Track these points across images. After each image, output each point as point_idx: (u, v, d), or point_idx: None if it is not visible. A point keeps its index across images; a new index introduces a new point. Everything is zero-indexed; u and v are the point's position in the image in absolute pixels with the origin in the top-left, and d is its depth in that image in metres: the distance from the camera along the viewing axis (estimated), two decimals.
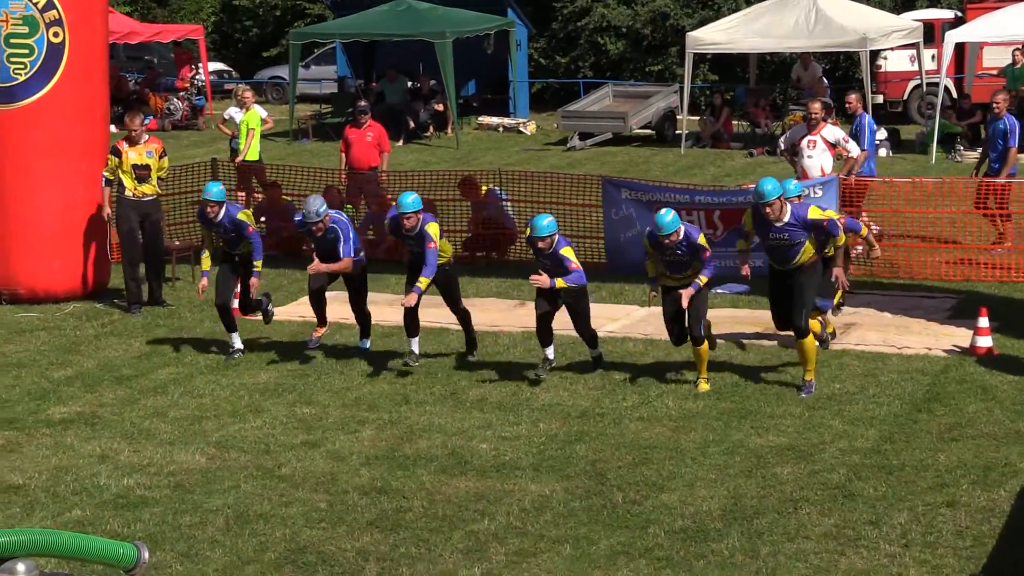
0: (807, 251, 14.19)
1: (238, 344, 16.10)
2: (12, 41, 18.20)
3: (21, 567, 7.80)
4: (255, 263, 15.89)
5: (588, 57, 41.27)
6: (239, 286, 16.22)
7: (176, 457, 12.75)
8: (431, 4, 35.43)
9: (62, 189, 18.35)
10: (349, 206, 21.85)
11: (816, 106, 19.56)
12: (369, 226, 21.35)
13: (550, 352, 14.81)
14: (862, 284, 18.65)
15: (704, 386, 14.45)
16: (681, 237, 14.09)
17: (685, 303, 14.16)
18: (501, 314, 17.53)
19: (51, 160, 18.27)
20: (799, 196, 14.84)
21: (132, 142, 18.21)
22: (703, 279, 14.26)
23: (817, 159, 19.13)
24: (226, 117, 25.35)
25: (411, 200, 15.03)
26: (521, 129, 36.40)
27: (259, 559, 10.67)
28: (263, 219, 21.51)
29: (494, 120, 37.02)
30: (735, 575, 10.16)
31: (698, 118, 34.23)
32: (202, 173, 22.29)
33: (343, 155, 23.20)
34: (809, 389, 14.26)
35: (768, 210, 14.02)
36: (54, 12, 18.23)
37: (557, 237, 14.65)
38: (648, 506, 11.46)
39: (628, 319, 17.26)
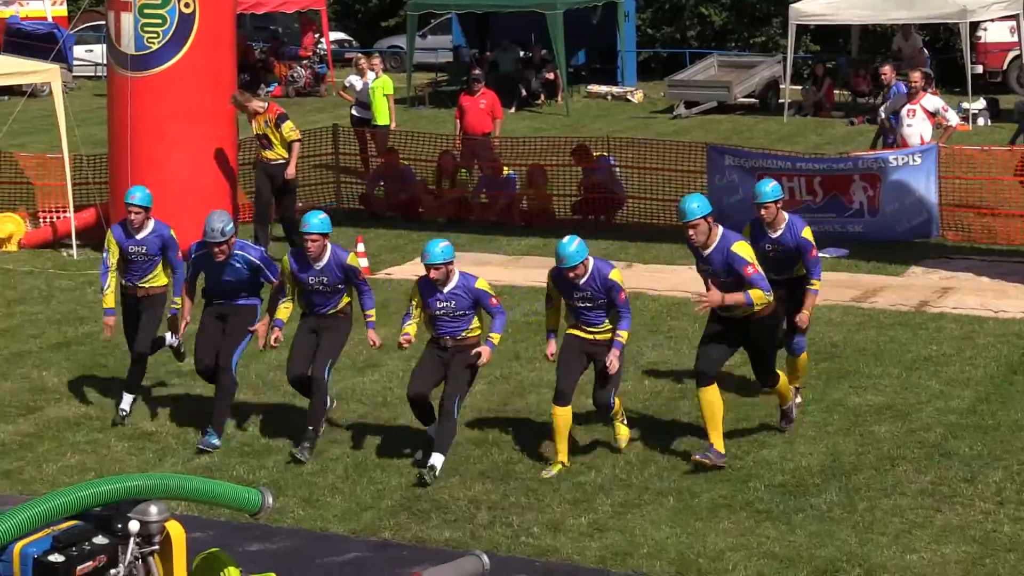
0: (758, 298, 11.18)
1: (125, 404, 12.82)
2: (146, 11, 18.38)
3: (154, 509, 7.93)
4: (175, 300, 12.77)
5: (693, 28, 41.01)
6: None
7: (299, 407, 12.88)
8: None
9: (191, 153, 18.51)
10: (463, 170, 21.94)
11: (916, 75, 19.34)
12: (482, 190, 21.42)
13: (436, 460, 11.27)
14: (959, 249, 18.42)
15: (560, 461, 11.34)
16: (589, 271, 11.29)
17: (613, 369, 11.25)
18: None
19: (181, 125, 18.44)
20: (775, 201, 12.07)
21: (251, 116, 18.56)
22: (624, 334, 11.31)
23: (917, 127, 18.94)
24: (346, 84, 25.46)
25: (317, 220, 11.72)
26: (628, 97, 36.22)
27: (376, 506, 10.78)
28: (382, 183, 21.73)
29: (603, 88, 36.85)
30: (833, 528, 10.11)
31: (800, 87, 33.90)
32: (324, 138, 22.42)
33: (458, 121, 23.24)
34: (714, 454, 11.24)
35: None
36: None
37: (456, 269, 11.40)
38: (749, 461, 11.43)
39: None
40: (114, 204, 19.07)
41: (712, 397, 11.34)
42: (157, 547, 7.89)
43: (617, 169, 21.02)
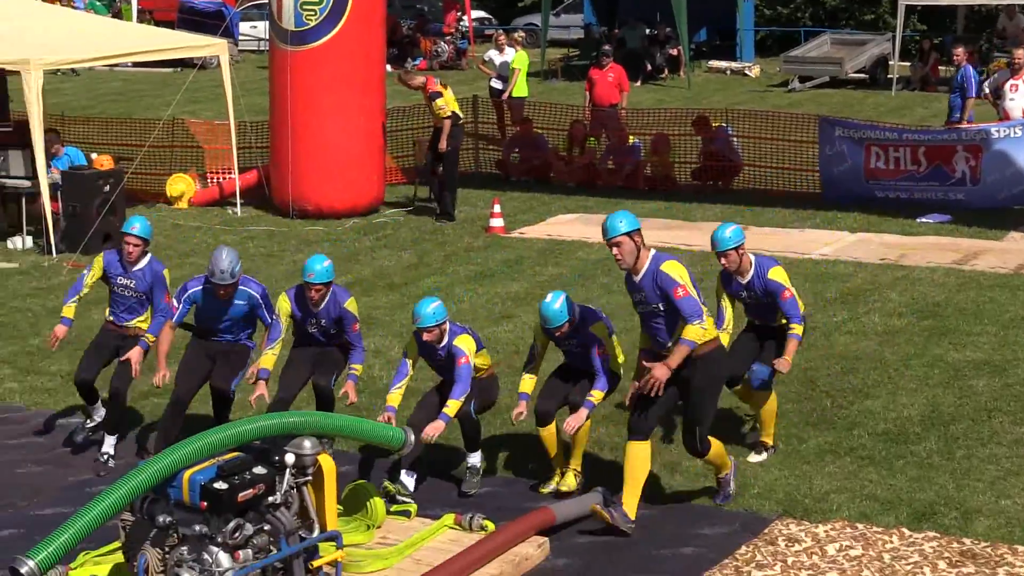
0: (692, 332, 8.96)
1: (108, 447, 10.66)
2: None
3: (307, 443, 8.06)
4: (147, 335, 10.62)
5: (807, 8, 40.62)
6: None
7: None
8: None
9: (344, 121, 18.68)
10: (592, 138, 21.92)
11: (1020, 52, 19.02)
12: (610, 156, 21.40)
13: (474, 459, 10.16)
14: None
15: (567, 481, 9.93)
16: (575, 327, 9.78)
17: (569, 431, 9.74)
18: None
19: (335, 96, 18.61)
20: (736, 247, 10.14)
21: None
22: (597, 395, 9.71)
23: (1019, 101, 18.70)
24: (486, 59, 25.48)
25: (321, 268, 10.20)
26: (746, 72, 35.89)
27: (508, 446, 10.83)
28: (517, 150, 21.79)
29: (722, 64, 36.56)
30: (931, 474, 10.00)
31: (908, 63, 33.36)
32: (464, 108, 22.44)
33: (587, 93, 23.23)
34: (620, 514, 9.19)
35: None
36: None
37: (448, 326, 9.99)
38: (853, 411, 11.33)
39: (839, 243, 16.98)
40: (275, 167, 19.35)
41: (642, 453, 9.24)
42: (310, 478, 8.03)
43: (734, 138, 20.92)
